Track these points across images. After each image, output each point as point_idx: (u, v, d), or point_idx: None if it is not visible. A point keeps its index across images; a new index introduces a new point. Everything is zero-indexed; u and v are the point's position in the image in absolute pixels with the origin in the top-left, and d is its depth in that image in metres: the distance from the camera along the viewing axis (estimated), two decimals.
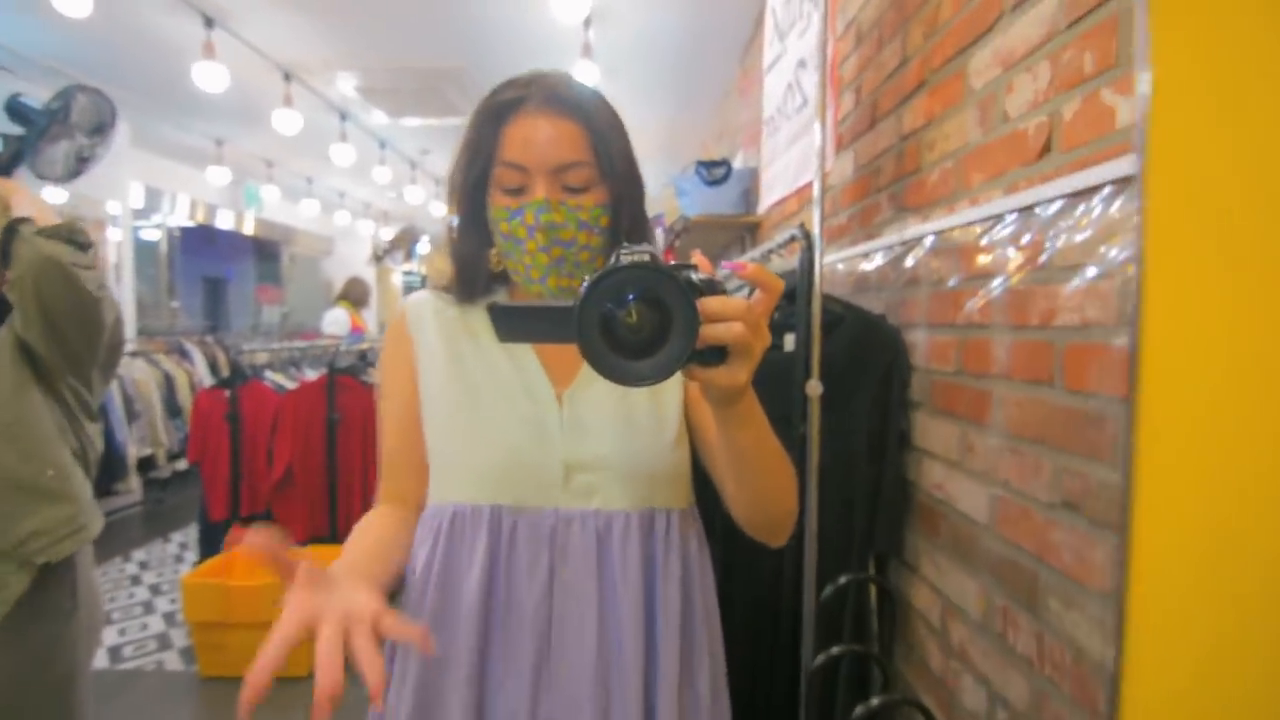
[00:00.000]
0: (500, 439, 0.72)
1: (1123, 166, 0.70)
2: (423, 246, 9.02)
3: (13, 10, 2.82)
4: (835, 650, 0.95)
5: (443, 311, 0.79)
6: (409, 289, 11.04)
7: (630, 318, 0.48)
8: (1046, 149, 0.87)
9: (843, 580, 1.00)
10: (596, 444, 0.72)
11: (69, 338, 1.14)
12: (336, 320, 5.09)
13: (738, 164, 2.91)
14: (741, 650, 1.24)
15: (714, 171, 2.66)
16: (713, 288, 0.51)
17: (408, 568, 0.75)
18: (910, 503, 1.23)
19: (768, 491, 0.66)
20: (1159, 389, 0.64)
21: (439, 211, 6.90)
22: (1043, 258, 0.87)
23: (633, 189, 0.74)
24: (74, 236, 1.12)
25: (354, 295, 5.32)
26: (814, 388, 1.18)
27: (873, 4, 1.48)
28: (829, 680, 1.13)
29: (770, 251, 1.47)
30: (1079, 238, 0.80)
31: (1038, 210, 0.88)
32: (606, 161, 0.71)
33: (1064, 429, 0.83)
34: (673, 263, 0.52)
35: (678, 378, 0.68)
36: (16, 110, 3.93)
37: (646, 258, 0.49)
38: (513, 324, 0.54)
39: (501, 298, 0.80)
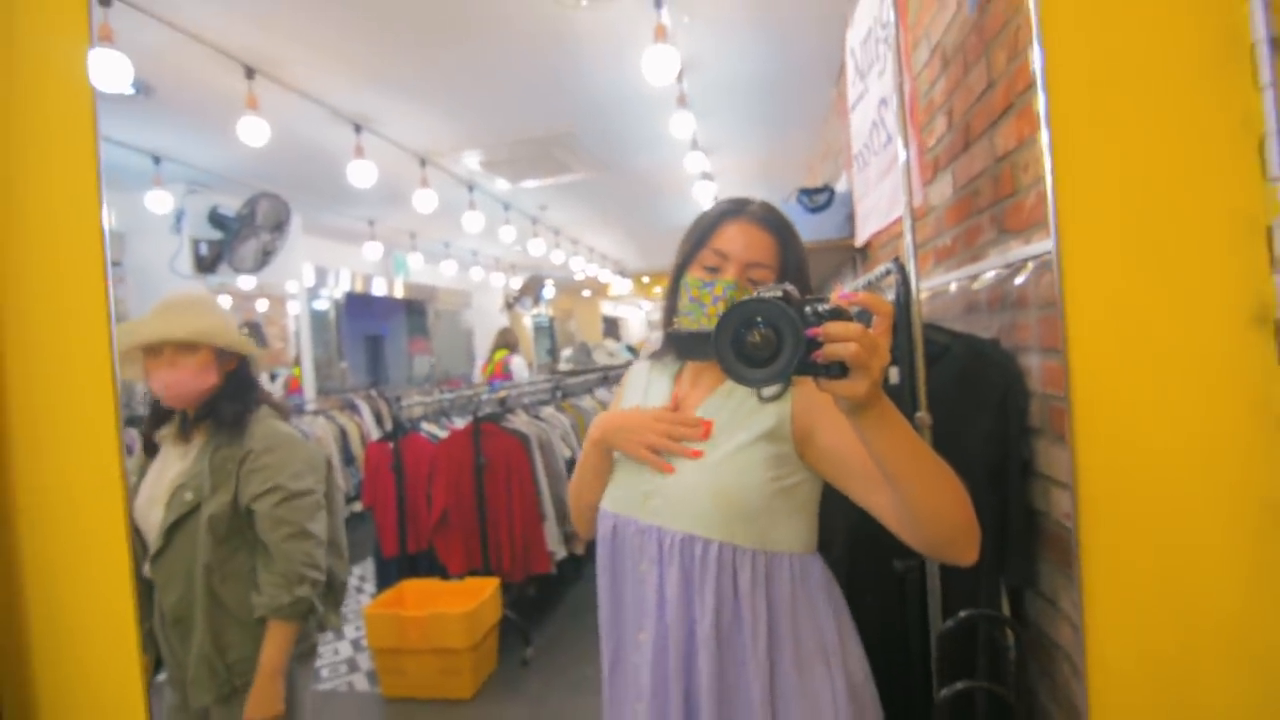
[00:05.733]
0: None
1: None
2: (547, 291, 9.60)
3: (210, 138, 3.45)
4: (959, 685, 0.95)
5: (642, 369, 1.08)
6: (538, 329, 11.81)
7: (756, 337, 0.61)
8: None
9: (962, 615, 0.99)
10: (659, 477, 0.91)
11: None
12: (521, 366, 5.80)
13: (841, 186, 2.90)
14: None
15: (815, 199, 2.68)
16: (836, 315, 0.62)
17: None
18: (1040, 533, 1.19)
19: (924, 501, 0.70)
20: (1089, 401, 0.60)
21: (559, 259, 7.35)
22: None
23: (804, 292, 0.94)
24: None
25: (509, 342, 6.00)
26: (922, 419, 1.19)
27: (955, 28, 1.47)
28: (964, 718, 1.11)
29: (870, 283, 1.48)
30: None
31: None
32: (787, 269, 0.92)
33: None
34: (808, 296, 0.66)
35: (781, 430, 0.88)
36: (217, 219, 4.73)
37: (777, 294, 0.63)
38: (683, 345, 0.74)
39: None
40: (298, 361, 5.37)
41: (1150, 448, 0.47)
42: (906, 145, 1.18)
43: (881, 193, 1.38)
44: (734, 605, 0.84)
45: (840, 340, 0.60)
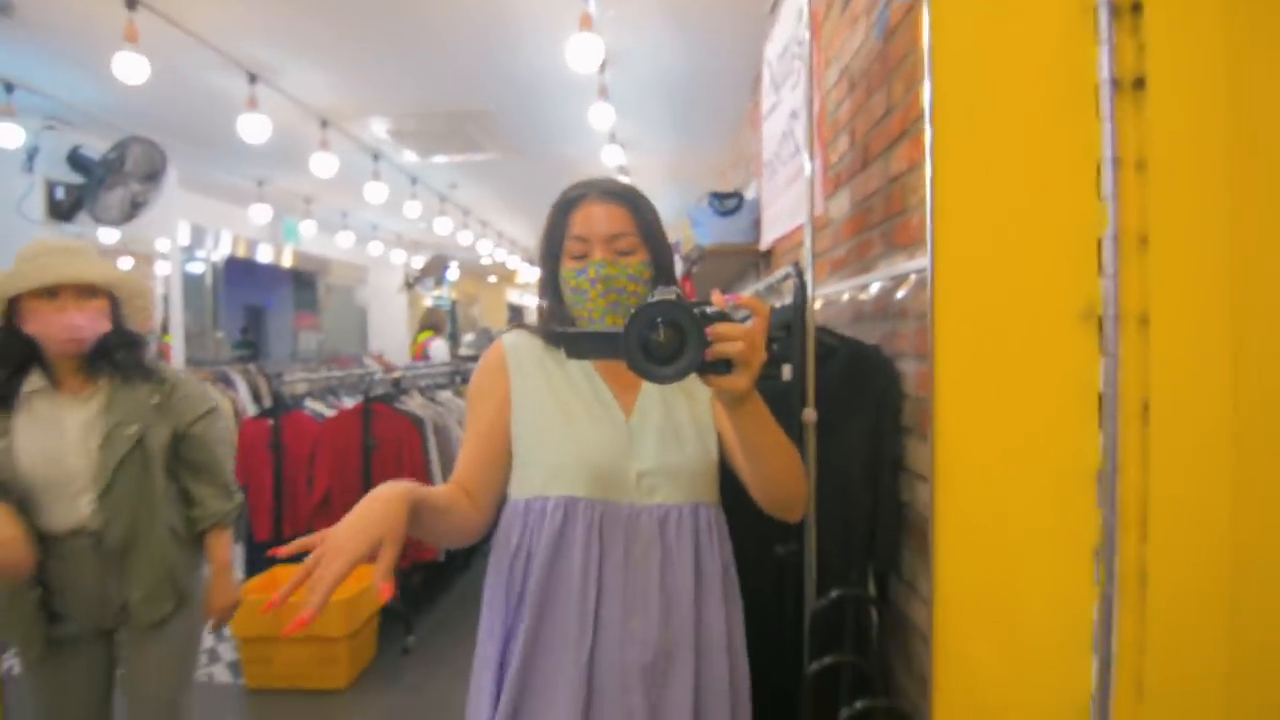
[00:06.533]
0: (596, 449, 0.92)
1: None
2: (451, 273, 9.30)
3: (76, 71, 3.08)
4: (827, 660, 1.03)
5: (533, 346, 1.01)
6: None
7: (659, 337, 0.67)
8: None
9: (834, 595, 1.08)
10: (657, 455, 0.93)
11: None
12: (440, 349, 5.42)
13: (751, 193, 3.02)
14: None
15: (726, 203, 2.78)
16: (722, 316, 0.69)
17: (496, 543, 0.96)
18: (905, 523, 1.31)
19: (780, 475, 0.86)
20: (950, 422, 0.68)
21: (466, 240, 7.14)
22: None
23: (665, 251, 0.98)
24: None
25: (434, 323, 5.65)
26: (809, 415, 1.28)
27: (862, 54, 1.58)
28: (831, 689, 1.20)
29: (771, 286, 1.57)
30: None
31: None
32: (646, 231, 0.95)
33: None
34: (694, 300, 0.71)
35: (708, 402, 0.95)
36: (78, 161, 4.25)
37: (673, 296, 0.69)
38: (576, 345, 0.73)
39: None
40: (166, 329, 4.89)
41: (996, 433, 0.55)
42: (813, 158, 1.26)
43: (787, 200, 1.46)
44: (729, 562, 0.94)
45: (727, 339, 0.67)
